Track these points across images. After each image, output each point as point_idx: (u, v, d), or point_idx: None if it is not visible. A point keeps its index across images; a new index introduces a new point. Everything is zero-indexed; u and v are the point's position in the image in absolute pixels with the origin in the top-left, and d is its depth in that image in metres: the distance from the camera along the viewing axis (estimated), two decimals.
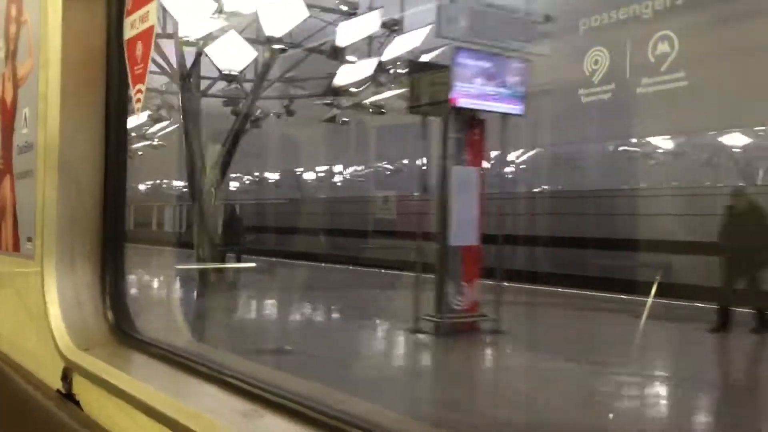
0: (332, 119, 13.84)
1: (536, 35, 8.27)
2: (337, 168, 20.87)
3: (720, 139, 12.34)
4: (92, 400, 1.68)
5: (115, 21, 1.88)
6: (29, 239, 2.12)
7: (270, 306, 12.15)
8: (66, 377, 1.78)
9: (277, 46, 10.57)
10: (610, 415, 4.71)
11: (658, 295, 8.83)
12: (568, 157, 14.72)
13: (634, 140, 13.50)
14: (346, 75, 10.78)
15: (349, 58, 10.27)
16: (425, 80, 8.53)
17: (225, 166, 12.37)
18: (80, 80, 1.90)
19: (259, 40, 10.81)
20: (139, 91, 1.78)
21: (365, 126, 15.49)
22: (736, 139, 12.29)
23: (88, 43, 1.91)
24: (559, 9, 8.52)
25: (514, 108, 8.47)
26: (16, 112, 2.30)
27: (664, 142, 13.26)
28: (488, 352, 8.13)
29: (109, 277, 1.91)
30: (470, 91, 8.14)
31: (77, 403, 1.74)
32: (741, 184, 11.11)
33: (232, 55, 10.09)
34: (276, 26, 9.56)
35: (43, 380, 1.95)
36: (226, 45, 9.88)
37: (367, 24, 9.85)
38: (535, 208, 14.52)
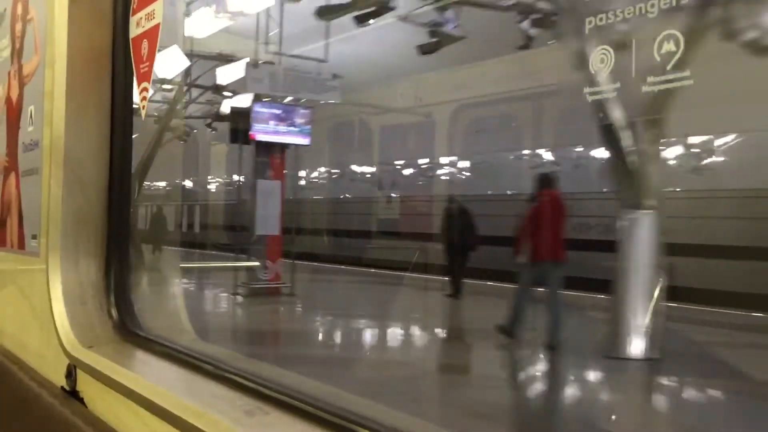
0: None
1: (326, 88, 11.48)
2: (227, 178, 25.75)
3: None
4: (96, 398, 1.68)
5: (121, 19, 1.88)
6: (34, 237, 2.13)
7: (143, 281, 15.48)
8: (70, 374, 1.78)
9: (167, 86, 12.48)
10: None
11: (414, 271, 12.88)
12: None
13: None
14: (226, 106, 13.22)
15: (226, 93, 12.79)
16: (238, 120, 11.72)
17: (143, 175, 13.45)
18: (86, 78, 1.91)
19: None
20: (145, 89, 1.78)
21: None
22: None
23: (93, 41, 1.92)
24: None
25: (302, 141, 12.00)
26: (21, 109, 2.31)
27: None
28: (274, 305, 11.21)
29: (114, 275, 1.91)
30: (266, 130, 11.36)
31: (81, 400, 1.74)
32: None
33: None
34: (165, 71, 11.37)
35: (48, 377, 1.95)
36: None
37: (240, 68, 12.06)
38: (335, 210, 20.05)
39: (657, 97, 6.64)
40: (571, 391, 6.37)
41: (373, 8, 9.23)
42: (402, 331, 9.18)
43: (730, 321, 8.31)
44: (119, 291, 1.91)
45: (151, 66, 1.72)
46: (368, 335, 9.16)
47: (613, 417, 5.18)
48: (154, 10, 1.71)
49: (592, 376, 6.66)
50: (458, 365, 7.22)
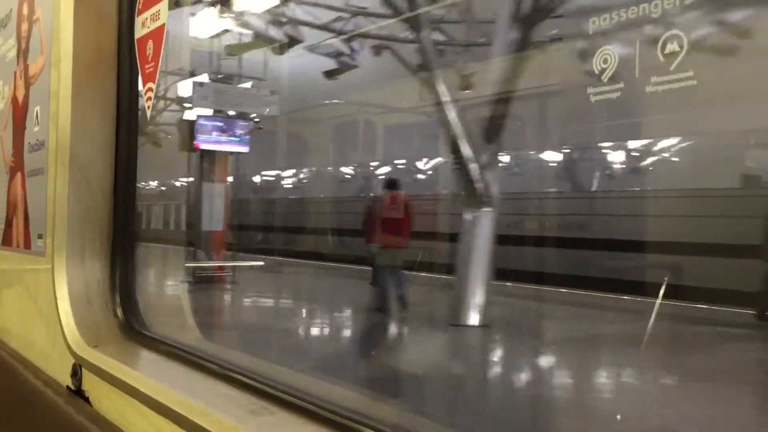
0: None
1: (265, 103, 13.27)
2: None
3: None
4: (102, 397, 1.69)
5: (126, 19, 1.88)
6: (40, 236, 2.13)
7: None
8: (76, 373, 1.79)
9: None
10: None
11: (337, 261, 14.39)
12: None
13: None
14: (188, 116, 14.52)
15: (186, 105, 13.77)
16: (186, 131, 13.06)
17: None
18: (91, 78, 1.91)
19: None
20: (150, 89, 1.78)
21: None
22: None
23: (99, 42, 1.92)
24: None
25: (242, 149, 13.60)
26: (27, 109, 2.31)
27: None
28: (214, 290, 12.49)
29: (119, 274, 1.91)
30: (209, 140, 12.96)
31: (87, 399, 1.75)
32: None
33: None
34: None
35: (53, 376, 1.96)
36: None
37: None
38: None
39: (490, 122, 8.73)
40: (414, 346, 8.23)
41: (285, 41, 10.88)
42: (308, 308, 11.09)
43: (577, 300, 10.36)
44: (125, 291, 1.91)
45: (156, 66, 1.73)
46: (281, 311, 10.88)
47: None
48: (159, 10, 1.71)
49: (433, 336, 8.65)
50: (334, 331, 9.26)
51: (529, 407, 5.54)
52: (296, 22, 10.76)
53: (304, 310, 11.00)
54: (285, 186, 23.14)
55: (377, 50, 10.62)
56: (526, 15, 8.25)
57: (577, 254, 11.90)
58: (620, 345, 7.55)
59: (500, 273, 9.17)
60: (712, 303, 8.95)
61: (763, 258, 8.50)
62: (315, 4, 10.77)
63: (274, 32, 10.92)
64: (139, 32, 1.80)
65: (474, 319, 8.48)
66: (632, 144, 13.49)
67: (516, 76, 8.49)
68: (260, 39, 11.17)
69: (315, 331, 9.23)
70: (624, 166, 13.61)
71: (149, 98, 1.81)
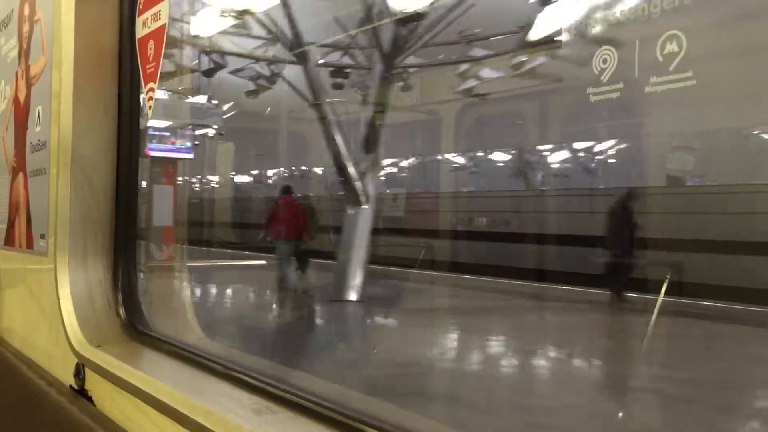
0: None
1: (211, 115, 14.45)
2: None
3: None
4: (105, 396, 1.69)
5: (128, 19, 1.89)
6: (42, 236, 2.14)
7: None
8: (79, 373, 1.79)
9: None
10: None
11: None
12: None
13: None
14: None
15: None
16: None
17: None
18: (93, 78, 1.91)
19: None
20: (151, 89, 1.78)
21: None
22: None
23: (100, 42, 1.92)
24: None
25: (187, 155, 14.58)
26: (29, 110, 2.32)
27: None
28: (164, 278, 12.63)
29: (122, 274, 1.92)
30: (158, 147, 13.70)
31: (90, 398, 1.75)
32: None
33: None
34: None
35: (56, 376, 1.96)
36: None
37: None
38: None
39: (369, 133, 11.21)
40: (295, 314, 10.48)
41: (212, 66, 12.52)
42: (234, 290, 13.17)
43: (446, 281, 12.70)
44: (127, 290, 1.92)
45: (157, 66, 1.73)
46: (210, 292, 12.49)
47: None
48: (159, 10, 1.71)
49: (317, 307, 11.24)
50: (240, 306, 11.40)
51: (357, 346, 7.80)
52: (219, 52, 12.37)
53: (220, 288, 13.20)
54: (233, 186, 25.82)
55: (271, 79, 12.59)
56: (388, 51, 10.51)
57: (446, 243, 14.56)
58: (456, 313, 9.91)
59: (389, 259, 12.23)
60: (571, 285, 11.11)
61: (605, 247, 10.50)
62: (239, 34, 12.11)
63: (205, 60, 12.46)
64: (140, 32, 1.80)
65: (353, 296, 10.54)
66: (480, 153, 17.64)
67: (389, 98, 11.09)
68: (185, 69, 12.46)
69: (218, 299, 11.52)
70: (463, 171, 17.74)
71: (150, 98, 1.81)
